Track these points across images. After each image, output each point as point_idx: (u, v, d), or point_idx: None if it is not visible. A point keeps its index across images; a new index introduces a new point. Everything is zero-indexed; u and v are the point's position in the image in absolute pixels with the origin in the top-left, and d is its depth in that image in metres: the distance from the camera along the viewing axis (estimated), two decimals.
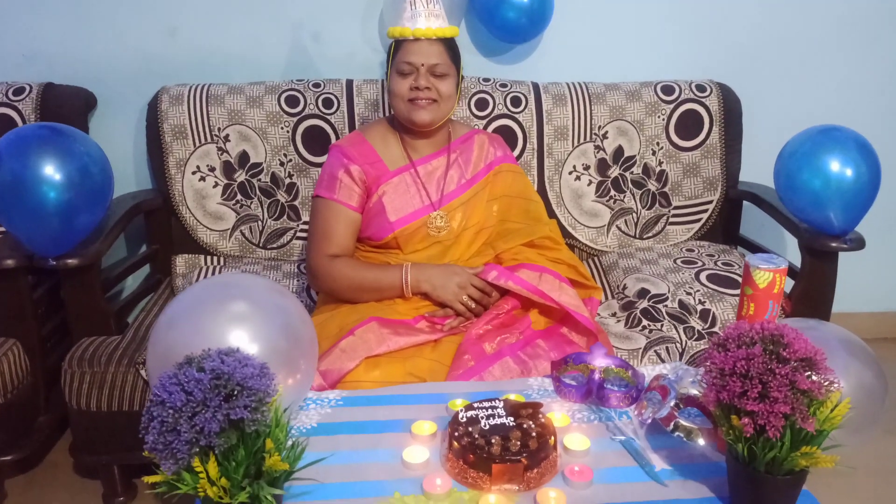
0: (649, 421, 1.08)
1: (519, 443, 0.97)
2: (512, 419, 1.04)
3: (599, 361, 1.20)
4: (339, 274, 1.49)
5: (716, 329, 1.65)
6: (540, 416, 1.04)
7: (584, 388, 1.16)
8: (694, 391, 1.09)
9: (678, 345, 1.61)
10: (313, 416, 1.14)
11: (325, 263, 1.50)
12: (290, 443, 0.84)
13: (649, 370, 1.26)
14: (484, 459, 0.96)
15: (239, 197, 1.98)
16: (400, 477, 0.99)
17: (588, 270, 1.73)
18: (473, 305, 1.48)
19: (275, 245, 2.01)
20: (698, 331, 1.64)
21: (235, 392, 0.76)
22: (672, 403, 1.07)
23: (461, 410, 1.05)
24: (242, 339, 0.96)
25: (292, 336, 1.02)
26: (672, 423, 1.06)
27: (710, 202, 2.11)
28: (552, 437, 1.00)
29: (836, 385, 0.81)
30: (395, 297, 1.50)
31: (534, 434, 0.99)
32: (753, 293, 0.92)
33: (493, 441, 0.97)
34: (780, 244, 2.31)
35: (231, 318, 0.97)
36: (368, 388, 1.25)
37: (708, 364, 0.84)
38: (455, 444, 0.99)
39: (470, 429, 1.01)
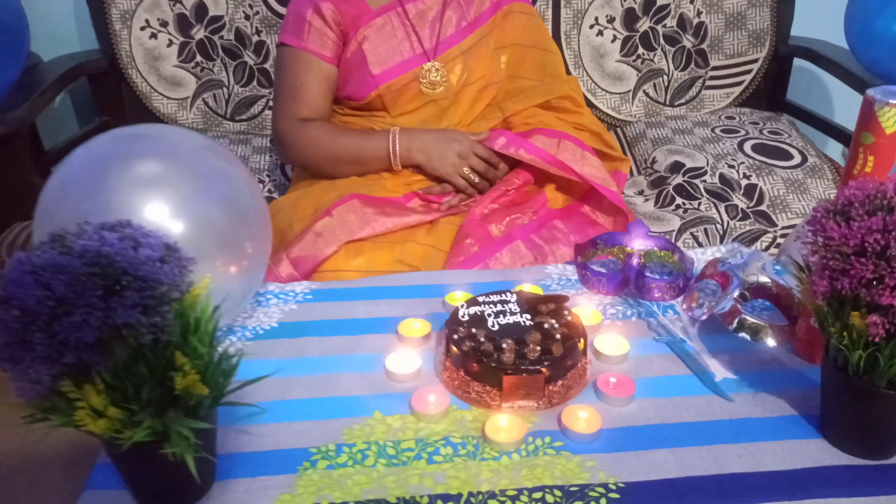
0: (704, 317, 0.84)
1: (539, 348, 0.73)
2: (528, 317, 0.79)
3: (639, 243, 0.94)
4: (312, 141, 1.21)
5: (763, 207, 1.39)
6: (565, 312, 0.80)
7: (619, 277, 0.91)
8: (765, 279, 0.84)
9: (718, 226, 1.36)
10: (274, 313, 0.90)
11: (294, 128, 1.21)
12: (219, 351, 0.59)
13: (699, 254, 1.00)
14: (493, 369, 0.72)
15: (199, 58, 1.68)
16: (383, 391, 0.76)
17: (614, 139, 1.45)
18: (477, 180, 1.21)
19: (244, 116, 1.72)
20: (742, 209, 1.38)
21: (122, 284, 0.50)
22: (735, 294, 0.83)
23: (462, 306, 0.81)
24: (161, 214, 0.70)
25: (233, 210, 0.76)
26: (735, 320, 0.81)
27: (755, 61, 1.78)
28: (581, 340, 0.76)
29: None
30: (380, 171, 1.23)
31: (558, 336, 0.75)
32: (876, 141, 0.64)
33: (504, 345, 0.73)
34: (829, 111, 2.00)
35: (144, 184, 0.70)
36: (349, 279, 1.00)
37: (817, 238, 0.58)
38: (454, 348, 0.75)
39: (474, 330, 0.77)
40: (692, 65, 1.78)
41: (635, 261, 0.91)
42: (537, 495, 0.63)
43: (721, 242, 1.36)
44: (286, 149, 1.24)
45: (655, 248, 0.93)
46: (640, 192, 1.50)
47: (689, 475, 0.66)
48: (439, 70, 1.25)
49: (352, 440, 0.70)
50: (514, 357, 0.73)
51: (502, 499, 0.63)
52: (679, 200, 1.41)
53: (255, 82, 1.70)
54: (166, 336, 0.52)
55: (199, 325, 0.56)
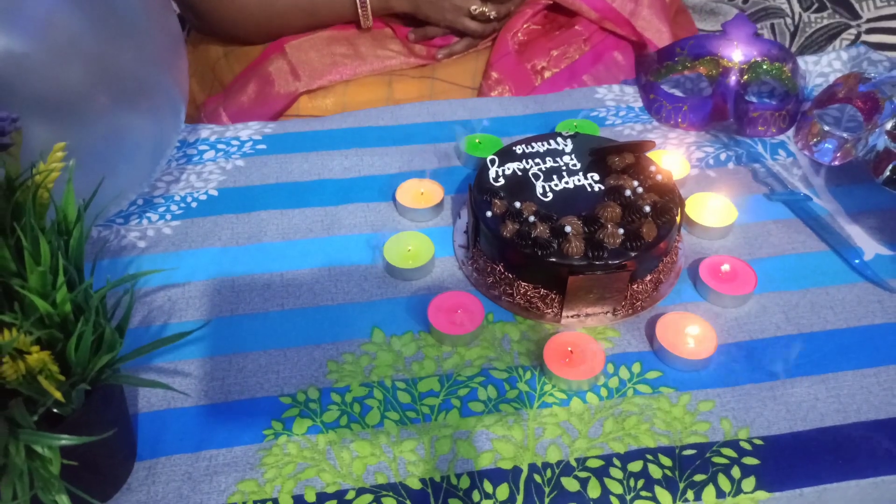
0: (836, 161, 0.58)
1: (621, 231, 0.48)
2: (596, 177, 0.53)
3: (740, 52, 0.64)
4: (239, 7, 0.77)
5: None
6: (651, 168, 0.53)
7: (710, 103, 0.64)
8: None
9: (789, 19, 1.06)
10: (212, 174, 0.62)
11: None
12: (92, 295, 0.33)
13: (809, 63, 0.72)
14: (551, 267, 0.47)
15: None
16: (381, 296, 0.51)
17: None
18: (493, 14, 0.79)
19: None
20: None
21: None
22: (889, 126, 0.56)
23: (492, 161, 0.54)
24: None
25: (102, 7, 0.45)
26: (889, 168, 0.56)
27: None
28: (679, 211, 0.50)
29: None
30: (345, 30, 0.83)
31: (647, 209, 0.49)
32: None
33: (567, 229, 0.47)
34: None
35: None
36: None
37: None
38: (487, 231, 0.49)
39: (517, 203, 0.50)
40: None
41: (734, 78, 0.63)
42: (635, 466, 0.42)
43: (791, 42, 1.07)
44: (201, 18, 0.80)
45: (763, 58, 0.64)
46: None
47: (857, 419, 0.44)
48: None
49: (342, 381, 0.46)
50: (583, 247, 0.47)
51: (582, 475, 0.41)
52: None
53: None
54: None
55: (50, 246, 0.29)
